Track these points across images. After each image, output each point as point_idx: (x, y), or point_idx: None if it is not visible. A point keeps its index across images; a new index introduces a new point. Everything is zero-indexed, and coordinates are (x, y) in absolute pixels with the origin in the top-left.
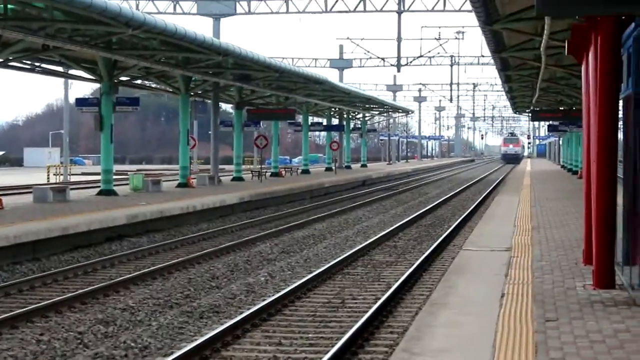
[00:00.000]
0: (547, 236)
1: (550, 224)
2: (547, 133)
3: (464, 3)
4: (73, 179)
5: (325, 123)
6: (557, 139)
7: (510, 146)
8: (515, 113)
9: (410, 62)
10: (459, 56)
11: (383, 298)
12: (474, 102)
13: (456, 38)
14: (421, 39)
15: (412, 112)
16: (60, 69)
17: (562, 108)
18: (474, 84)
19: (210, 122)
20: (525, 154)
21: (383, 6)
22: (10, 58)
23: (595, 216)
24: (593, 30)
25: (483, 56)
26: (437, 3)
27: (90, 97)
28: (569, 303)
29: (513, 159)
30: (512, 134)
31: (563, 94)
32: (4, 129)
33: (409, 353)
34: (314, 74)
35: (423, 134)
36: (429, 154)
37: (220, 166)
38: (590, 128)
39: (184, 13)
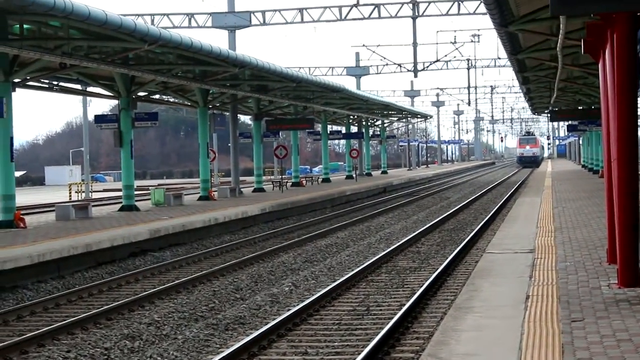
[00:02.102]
0: (570, 236)
1: (573, 224)
2: (566, 133)
3: (479, 6)
4: (94, 195)
5: (344, 131)
6: (576, 138)
7: (527, 147)
8: (534, 114)
9: (427, 67)
10: (475, 59)
11: (408, 304)
12: (492, 105)
13: (472, 41)
14: (437, 43)
15: (431, 117)
16: (78, 86)
17: (581, 107)
18: (491, 86)
19: (230, 134)
20: (545, 154)
21: (397, 12)
22: (28, 78)
23: (617, 215)
24: (609, 28)
25: (499, 58)
26: (451, 7)
27: (109, 113)
28: (594, 303)
29: (531, 162)
30: (528, 132)
31: (581, 93)
32: (25, 149)
33: (436, 358)
34: (331, 82)
35: (442, 139)
36: (449, 158)
37: (241, 178)
38: (610, 126)
39: (199, 26)
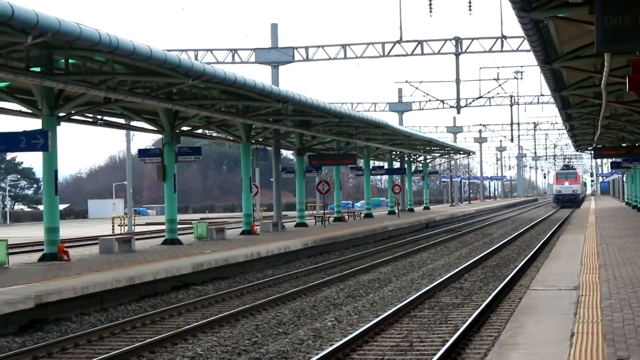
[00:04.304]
0: (614, 274)
1: (618, 262)
2: (610, 170)
3: (522, 43)
4: (137, 229)
5: (386, 166)
6: (620, 175)
7: (566, 183)
8: (577, 151)
9: (470, 103)
10: (518, 96)
11: (451, 340)
12: (535, 141)
13: (515, 78)
14: (480, 79)
15: (473, 153)
16: (122, 120)
17: (625, 144)
18: (534, 122)
19: (272, 169)
20: (589, 191)
21: (440, 49)
22: (73, 112)
23: None
24: None
25: (543, 95)
26: (494, 44)
27: (152, 147)
28: None
29: (570, 201)
30: (567, 166)
31: (625, 130)
32: (68, 182)
33: None
34: (374, 118)
35: (485, 175)
36: (491, 195)
37: (283, 212)
38: None
39: (242, 62)
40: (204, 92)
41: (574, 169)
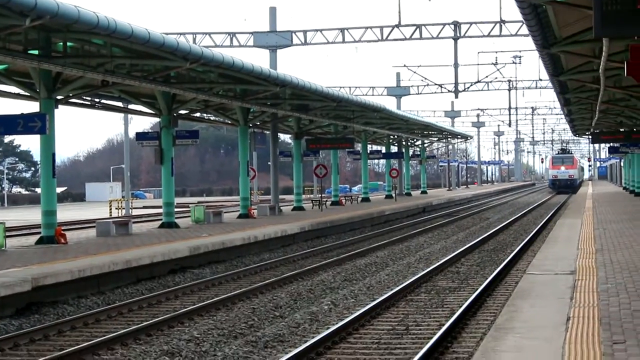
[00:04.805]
0: (611, 258)
1: (614, 246)
2: (607, 155)
3: (520, 27)
4: (135, 212)
5: (384, 151)
6: (618, 160)
7: (562, 168)
8: (575, 136)
9: (468, 87)
10: (516, 80)
11: (447, 324)
12: (533, 126)
13: (513, 62)
14: (478, 64)
15: (471, 137)
16: (119, 104)
17: (623, 129)
18: (532, 107)
19: (270, 153)
20: (586, 176)
21: (439, 33)
22: (71, 95)
23: None
24: None
25: (541, 80)
26: (493, 28)
27: (150, 131)
28: (636, 325)
29: (566, 187)
30: (563, 150)
31: (623, 115)
32: (66, 165)
33: None
34: (372, 102)
35: (482, 159)
36: (488, 179)
37: (281, 196)
38: None
39: (240, 45)
40: (201, 75)
41: (571, 152)
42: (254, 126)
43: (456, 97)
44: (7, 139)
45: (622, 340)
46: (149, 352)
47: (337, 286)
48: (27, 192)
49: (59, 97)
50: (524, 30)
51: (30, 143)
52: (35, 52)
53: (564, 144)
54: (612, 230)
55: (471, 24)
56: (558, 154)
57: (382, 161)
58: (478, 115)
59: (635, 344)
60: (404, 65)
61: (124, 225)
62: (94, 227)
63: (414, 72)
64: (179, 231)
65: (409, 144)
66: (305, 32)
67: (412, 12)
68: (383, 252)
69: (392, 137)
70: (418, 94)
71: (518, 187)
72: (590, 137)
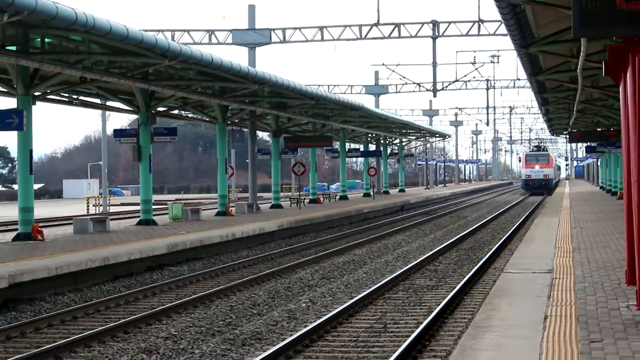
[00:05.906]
0: (588, 257)
1: (592, 245)
2: (585, 154)
3: (499, 27)
4: (112, 209)
5: (362, 149)
6: (595, 160)
7: (537, 167)
8: (552, 135)
9: (446, 86)
10: (494, 80)
11: (425, 322)
12: (510, 125)
13: (491, 62)
14: (456, 63)
15: (449, 136)
16: (97, 100)
17: (600, 129)
18: (510, 107)
19: (248, 151)
20: (563, 175)
21: (417, 32)
22: (49, 91)
23: (637, 236)
24: (630, 51)
25: (519, 79)
26: (471, 28)
27: (128, 128)
28: (613, 324)
29: (540, 187)
30: (538, 147)
31: (600, 115)
32: (43, 162)
33: None
34: (350, 100)
35: (460, 158)
36: (466, 178)
37: (259, 194)
38: (630, 148)
39: (219, 43)
40: (180, 72)
41: (546, 150)
42: (233, 124)
43: (434, 95)
44: None
45: (599, 338)
46: (127, 350)
47: (315, 284)
48: (3, 189)
49: (36, 94)
50: (503, 29)
51: (7, 139)
52: (13, 48)
53: (540, 142)
54: (589, 229)
55: (450, 23)
56: (532, 151)
57: (360, 159)
58: (456, 114)
59: (612, 342)
60: (383, 64)
61: (101, 223)
62: (71, 224)
63: (393, 71)
64: (157, 228)
65: (387, 142)
66: (284, 30)
67: (391, 11)
68: (361, 250)
69: (370, 135)
70: (396, 92)
71: (496, 186)
72: (567, 136)
